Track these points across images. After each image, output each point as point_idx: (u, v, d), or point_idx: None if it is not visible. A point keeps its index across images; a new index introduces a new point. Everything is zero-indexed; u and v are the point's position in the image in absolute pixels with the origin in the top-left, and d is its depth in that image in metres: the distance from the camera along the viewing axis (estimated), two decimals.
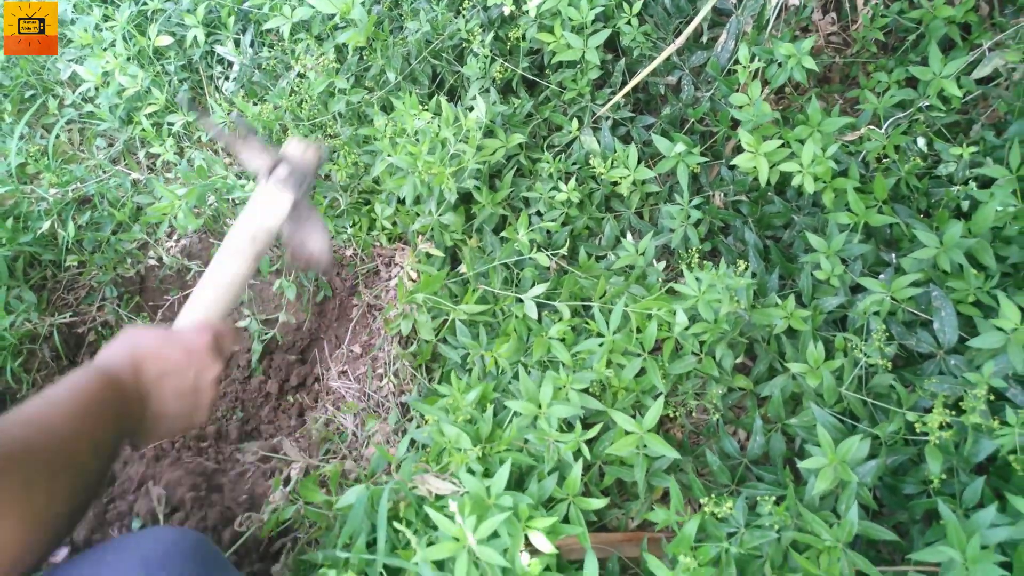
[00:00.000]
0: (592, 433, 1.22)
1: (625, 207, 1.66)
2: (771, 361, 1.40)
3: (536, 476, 1.21)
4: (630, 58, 1.71)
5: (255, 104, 1.73)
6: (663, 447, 1.19)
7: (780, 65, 1.50)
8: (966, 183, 1.38)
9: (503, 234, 1.60)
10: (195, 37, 1.86)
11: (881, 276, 1.35)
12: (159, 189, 1.55)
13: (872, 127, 1.50)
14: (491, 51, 1.64)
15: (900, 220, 1.40)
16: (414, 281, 1.65)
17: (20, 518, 0.61)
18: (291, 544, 1.34)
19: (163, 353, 0.85)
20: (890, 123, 1.50)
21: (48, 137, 1.97)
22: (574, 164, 1.66)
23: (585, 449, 1.21)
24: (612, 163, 1.57)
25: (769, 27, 1.60)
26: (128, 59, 1.87)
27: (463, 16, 1.65)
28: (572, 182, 1.56)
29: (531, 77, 1.72)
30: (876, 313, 1.30)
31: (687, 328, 1.30)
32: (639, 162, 1.56)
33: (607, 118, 1.68)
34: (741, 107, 1.49)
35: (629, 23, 1.61)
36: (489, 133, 1.62)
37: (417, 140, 1.49)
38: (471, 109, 1.55)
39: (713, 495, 1.13)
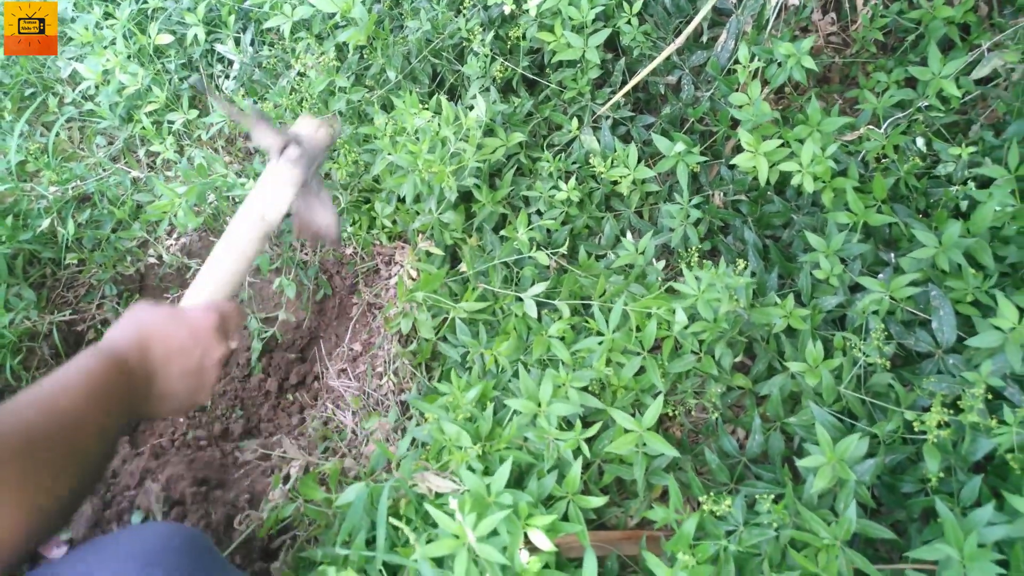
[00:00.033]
0: (592, 431, 1.23)
1: (625, 206, 1.66)
2: (770, 360, 1.40)
3: (536, 474, 1.21)
4: (630, 57, 1.71)
5: (255, 102, 1.73)
6: (662, 445, 1.20)
7: (780, 65, 1.50)
8: (965, 183, 1.39)
9: (503, 233, 1.60)
10: (195, 35, 1.86)
11: (880, 275, 1.36)
12: (159, 187, 1.55)
13: (871, 127, 1.51)
14: (491, 50, 1.64)
15: (899, 220, 1.40)
16: (414, 279, 1.65)
17: (24, 506, 0.61)
18: (290, 542, 1.34)
19: (170, 334, 0.85)
20: (889, 123, 1.51)
21: (48, 135, 1.97)
22: (574, 163, 1.66)
23: (584, 447, 1.21)
24: (612, 162, 1.57)
25: (769, 27, 1.60)
26: (128, 57, 1.88)
27: (463, 15, 1.65)
28: (572, 181, 1.56)
29: (531, 76, 1.72)
30: (875, 312, 1.30)
31: (686, 327, 1.31)
32: (639, 161, 1.56)
33: (607, 117, 1.69)
34: (741, 107, 1.49)
35: (629, 22, 1.61)
36: (489, 132, 1.62)
37: (417, 139, 1.50)
38: (471, 108, 1.55)
39: (712, 493, 1.14)
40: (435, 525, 1.12)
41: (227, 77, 1.97)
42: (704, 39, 1.70)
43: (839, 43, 1.78)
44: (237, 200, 1.75)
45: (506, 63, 1.67)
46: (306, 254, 1.82)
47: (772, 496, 1.13)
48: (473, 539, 0.99)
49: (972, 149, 1.40)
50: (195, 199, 1.57)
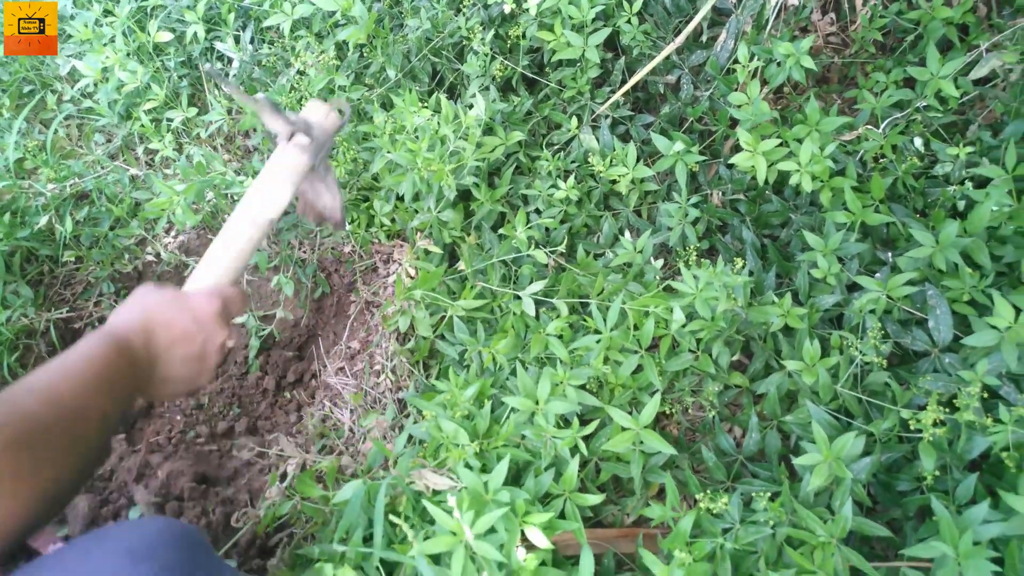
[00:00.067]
0: (589, 429, 1.23)
1: (623, 205, 1.67)
2: (767, 359, 1.41)
3: (533, 472, 1.21)
4: (630, 57, 1.72)
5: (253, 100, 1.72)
6: (659, 443, 1.20)
7: (779, 65, 1.50)
8: (962, 183, 1.39)
9: (501, 231, 1.60)
10: (195, 33, 1.86)
11: (877, 275, 1.36)
12: (158, 185, 1.55)
13: (870, 127, 1.51)
14: (491, 49, 1.65)
15: (897, 219, 1.41)
16: (412, 278, 1.65)
17: (22, 495, 0.62)
18: (287, 539, 1.34)
19: (174, 320, 0.86)
20: (888, 123, 1.51)
21: (46, 132, 1.97)
22: (573, 162, 1.67)
23: (582, 445, 1.21)
24: (611, 161, 1.57)
25: (768, 27, 1.61)
26: (128, 55, 1.87)
27: (463, 14, 1.65)
28: (571, 180, 1.57)
29: (531, 75, 1.72)
30: (872, 311, 1.31)
31: (684, 325, 1.31)
32: (638, 160, 1.57)
33: (606, 116, 1.69)
34: (740, 106, 1.49)
35: (629, 22, 1.61)
36: (488, 131, 1.62)
37: (417, 137, 1.50)
38: (471, 106, 1.55)
39: (709, 491, 1.14)
40: (432, 522, 1.12)
41: (226, 75, 1.97)
42: (704, 39, 1.70)
43: (838, 43, 1.78)
44: (236, 198, 1.75)
45: (506, 62, 1.67)
46: (304, 252, 1.83)
47: (769, 494, 1.13)
48: (471, 536, 0.99)
49: (970, 149, 1.40)
50: (194, 197, 1.57)
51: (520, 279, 1.57)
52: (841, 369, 1.28)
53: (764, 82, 1.56)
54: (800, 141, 1.41)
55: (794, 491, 1.19)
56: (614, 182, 1.58)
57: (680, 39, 1.58)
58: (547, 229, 1.64)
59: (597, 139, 1.66)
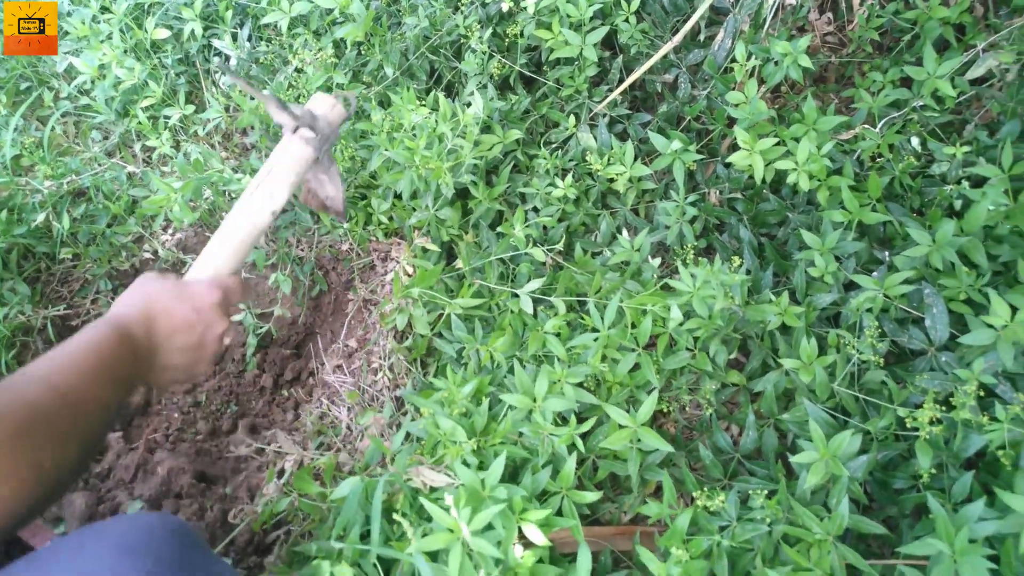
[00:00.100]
0: (586, 427, 1.23)
1: (621, 204, 1.67)
2: (764, 357, 1.41)
3: (530, 469, 1.21)
4: (628, 56, 1.72)
5: (251, 98, 1.72)
6: (656, 441, 1.20)
7: (776, 64, 1.51)
8: (959, 182, 1.40)
9: (499, 229, 1.60)
10: (192, 31, 1.86)
11: (874, 273, 1.37)
12: (155, 182, 1.55)
13: (867, 126, 1.51)
14: (489, 47, 1.65)
15: (893, 218, 1.41)
16: (410, 276, 1.65)
17: (26, 481, 0.63)
18: (284, 536, 1.34)
19: (175, 310, 0.88)
20: (885, 122, 1.51)
21: (43, 129, 1.96)
22: (571, 160, 1.67)
23: (579, 443, 1.22)
24: (609, 160, 1.57)
25: (766, 26, 1.61)
26: (125, 52, 1.87)
27: (461, 12, 1.65)
28: (569, 178, 1.57)
29: (529, 74, 1.72)
30: (869, 310, 1.31)
31: (681, 324, 1.31)
32: (635, 159, 1.57)
33: (604, 115, 1.69)
34: (737, 105, 1.49)
35: (627, 21, 1.61)
36: (486, 129, 1.62)
37: (414, 135, 1.50)
38: (469, 105, 1.55)
39: (706, 489, 1.14)
40: (430, 519, 1.12)
41: (224, 73, 1.97)
42: (701, 38, 1.70)
43: (835, 43, 1.78)
44: (233, 195, 1.75)
45: (504, 60, 1.67)
46: (302, 250, 1.82)
47: (765, 492, 1.13)
48: (468, 533, 1.00)
49: (966, 149, 1.41)
50: (191, 194, 1.57)
51: (518, 277, 1.57)
52: (838, 367, 1.29)
53: (761, 81, 1.56)
54: (797, 140, 1.41)
55: (791, 489, 1.19)
56: (612, 180, 1.59)
57: (678, 38, 1.58)
58: (545, 227, 1.64)
59: (595, 137, 1.66)
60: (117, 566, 0.72)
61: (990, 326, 1.17)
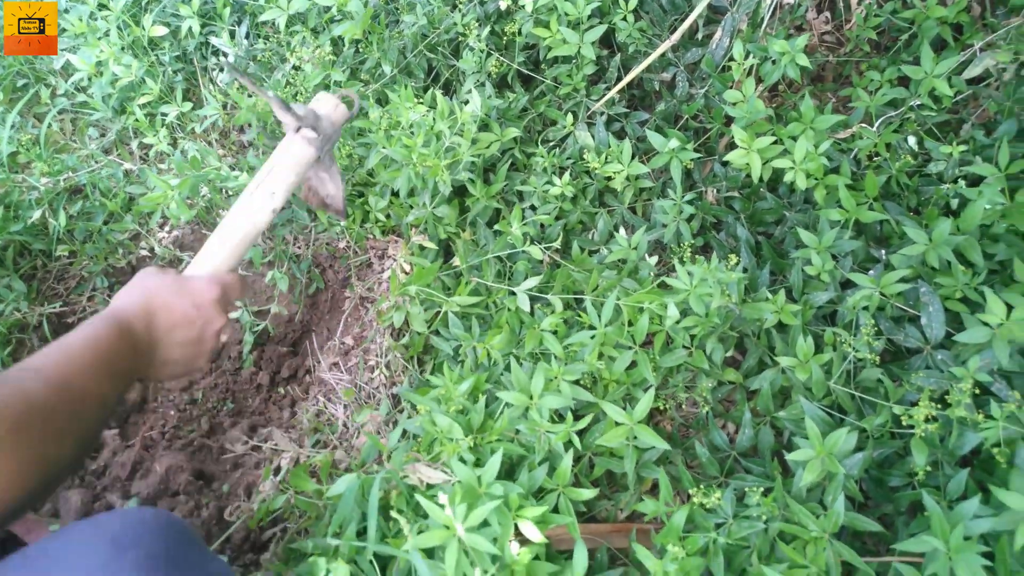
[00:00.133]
0: (583, 424, 1.23)
1: (618, 202, 1.67)
2: (761, 355, 1.41)
3: (527, 466, 1.21)
4: (625, 54, 1.72)
5: (250, 96, 1.72)
6: (653, 439, 1.20)
7: (774, 62, 1.51)
8: (955, 181, 1.40)
9: (497, 227, 1.60)
10: (190, 28, 1.86)
11: (871, 272, 1.37)
12: (152, 179, 1.54)
13: (864, 125, 1.52)
14: (487, 45, 1.65)
15: (890, 217, 1.42)
16: (407, 273, 1.65)
17: (23, 474, 0.64)
18: (281, 534, 1.34)
19: (174, 305, 0.89)
20: (882, 121, 1.52)
21: (40, 126, 1.96)
22: (568, 159, 1.67)
23: (576, 440, 1.22)
24: (606, 158, 1.57)
25: (764, 25, 1.61)
26: (122, 49, 1.87)
27: (459, 10, 1.65)
28: (566, 176, 1.57)
29: (526, 72, 1.72)
30: (865, 308, 1.31)
31: (678, 322, 1.31)
32: (633, 157, 1.57)
33: (602, 113, 1.69)
34: (735, 104, 1.50)
35: (625, 19, 1.61)
36: (484, 127, 1.62)
37: (412, 133, 1.50)
38: (466, 103, 1.55)
39: (702, 486, 1.14)
40: (426, 516, 1.12)
41: (221, 70, 1.97)
42: (699, 36, 1.70)
43: (833, 42, 1.79)
44: (231, 193, 1.75)
45: (501, 58, 1.67)
46: (299, 248, 1.82)
47: (761, 489, 1.14)
48: (462, 530, 0.99)
49: (963, 148, 1.41)
50: (188, 192, 1.56)
51: (515, 275, 1.57)
52: (834, 365, 1.29)
53: (759, 80, 1.56)
54: (795, 139, 1.42)
55: (787, 486, 1.19)
56: (609, 179, 1.59)
57: (676, 36, 1.58)
58: (542, 225, 1.64)
59: (592, 136, 1.67)
60: (110, 560, 0.72)
61: (986, 324, 1.17)
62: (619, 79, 1.68)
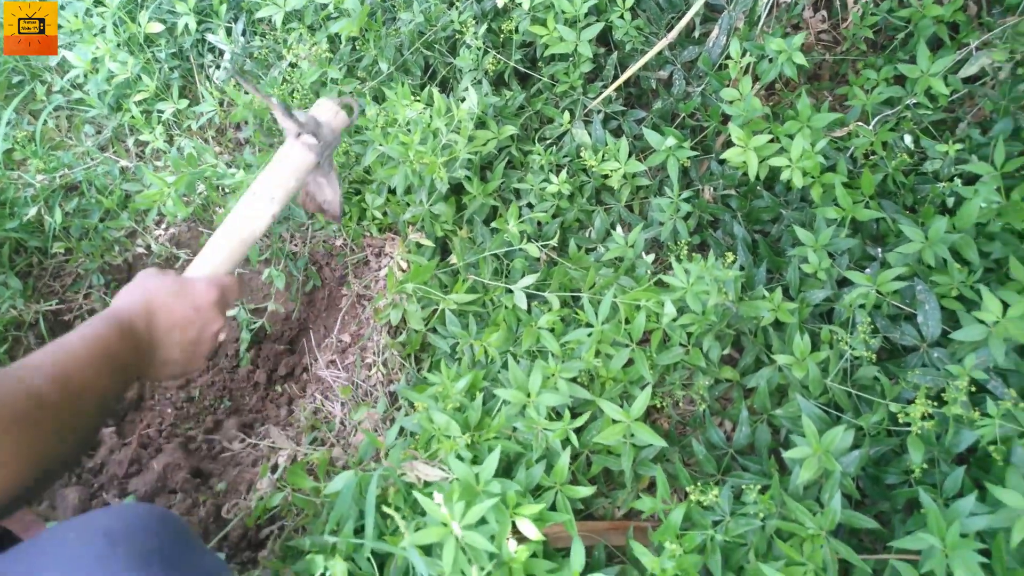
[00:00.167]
0: (580, 422, 1.23)
1: (615, 200, 1.67)
2: (758, 353, 1.41)
3: (524, 464, 1.21)
4: (622, 52, 1.72)
5: (246, 93, 1.72)
6: (650, 436, 1.20)
7: (771, 61, 1.51)
8: (951, 180, 1.40)
9: (494, 225, 1.60)
10: (186, 25, 1.85)
11: (867, 270, 1.37)
12: (148, 176, 1.54)
13: (860, 123, 1.52)
14: (484, 43, 1.64)
15: (886, 215, 1.42)
16: (404, 271, 1.65)
17: (22, 467, 0.65)
18: (278, 531, 1.34)
19: (175, 306, 0.90)
20: (878, 120, 1.52)
21: (36, 123, 1.95)
22: (565, 156, 1.67)
23: (573, 437, 1.22)
24: (603, 156, 1.57)
25: (760, 23, 1.61)
26: (118, 45, 1.86)
27: (456, 8, 1.65)
28: (563, 174, 1.57)
29: (523, 70, 1.72)
30: (862, 306, 1.32)
31: (675, 319, 1.31)
32: (630, 155, 1.57)
33: (599, 111, 1.69)
34: (732, 102, 1.50)
35: (622, 17, 1.61)
36: (481, 124, 1.62)
37: (409, 130, 1.50)
38: (463, 100, 1.55)
39: (699, 484, 1.15)
40: (423, 513, 1.12)
41: (218, 67, 1.96)
42: (696, 34, 1.70)
43: (829, 41, 1.79)
44: (227, 190, 1.75)
45: (498, 56, 1.67)
46: (296, 245, 1.82)
47: (758, 487, 1.14)
48: (458, 529, 0.99)
49: (959, 146, 1.41)
50: (184, 189, 1.56)
51: (512, 273, 1.57)
52: (831, 363, 1.29)
53: (756, 78, 1.57)
54: (791, 137, 1.42)
55: (784, 484, 1.19)
56: (606, 177, 1.59)
57: (672, 35, 1.58)
58: (539, 223, 1.64)
59: (589, 134, 1.67)
60: (104, 556, 0.72)
61: (982, 322, 1.18)
62: (616, 77, 1.68)
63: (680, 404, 1.47)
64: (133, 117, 1.83)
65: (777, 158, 1.41)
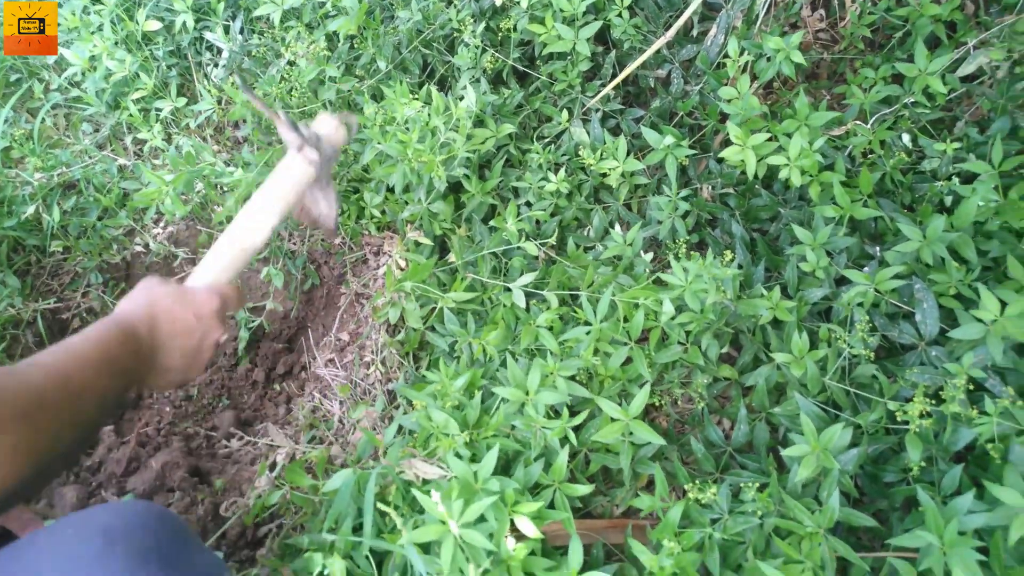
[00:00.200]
0: (578, 420, 1.23)
1: (614, 198, 1.67)
2: (756, 351, 1.41)
3: (523, 462, 1.21)
4: (620, 51, 1.72)
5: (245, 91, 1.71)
6: (648, 435, 1.20)
7: (769, 60, 1.51)
8: (949, 178, 1.40)
9: (492, 223, 1.60)
10: (184, 23, 1.85)
11: (865, 268, 1.37)
12: (146, 175, 1.54)
13: (858, 122, 1.52)
14: (482, 41, 1.64)
15: (884, 214, 1.42)
16: (402, 269, 1.65)
17: (21, 462, 0.65)
18: (276, 529, 1.33)
19: (177, 314, 0.91)
20: (876, 119, 1.52)
21: (33, 121, 1.95)
22: (564, 155, 1.67)
23: (571, 435, 1.22)
24: (601, 154, 1.57)
25: (759, 22, 1.61)
26: (116, 43, 1.86)
27: (454, 6, 1.65)
28: (561, 173, 1.57)
29: (522, 68, 1.72)
30: (860, 305, 1.32)
31: (673, 318, 1.31)
32: (628, 154, 1.57)
33: (597, 110, 1.69)
34: (730, 101, 1.50)
35: (620, 15, 1.61)
36: (479, 123, 1.62)
37: (407, 128, 1.49)
38: (461, 99, 1.55)
39: (697, 482, 1.15)
40: (422, 511, 1.12)
41: (216, 65, 1.96)
42: (694, 33, 1.70)
43: (827, 40, 1.79)
44: (225, 188, 1.75)
45: (497, 55, 1.67)
46: (294, 244, 1.82)
47: (757, 485, 1.14)
48: (455, 527, 1.00)
49: (957, 145, 1.41)
50: (183, 187, 1.56)
51: (510, 271, 1.57)
52: (829, 362, 1.29)
53: (754, 77, 1.57)
54: (789, 136, 1.42)
55: (782, 482, 1.19)
56: (604, 175, 1.59)
57: (670, 33, 1.58)
58: (537, 222, 1.64)
59: (588, 132, 1.67)
60: (101, 553, 0.72)
61: (980, 321, 1.18)
62: (614, 75, 1.68)
63: (678, 402, 1.47)
64: (131, 115, 1.82)
65: (775, 157, 1.41)
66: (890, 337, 1.33)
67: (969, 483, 1.13)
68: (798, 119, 1.44)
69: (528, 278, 1.45)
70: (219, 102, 1.84)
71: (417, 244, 1.66)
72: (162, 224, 1.86)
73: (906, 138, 1.50)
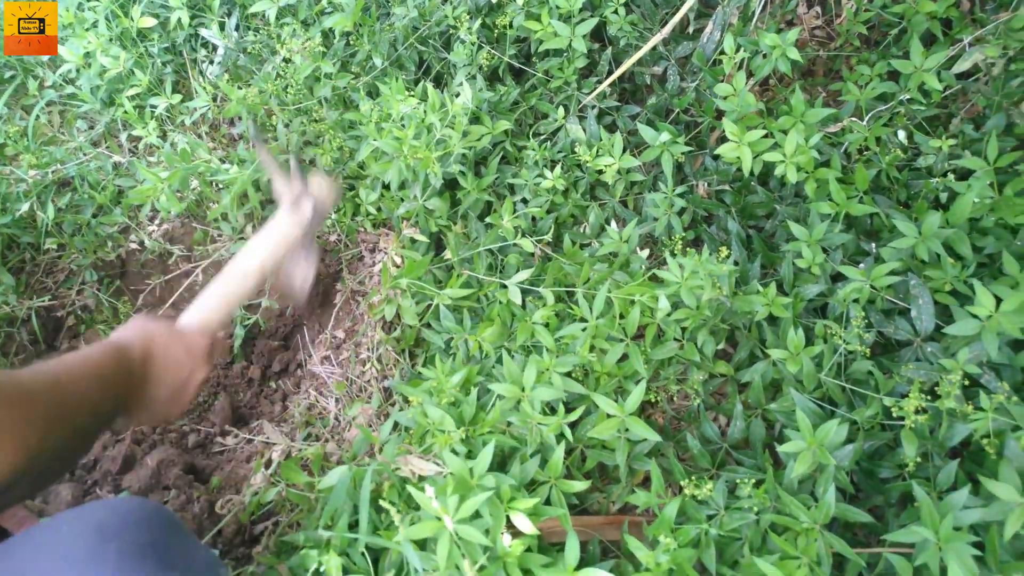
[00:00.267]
0: (574, 416, 1.23)
1: (610, 195, 1.67)
2: (752, 348, 1.42)
3: (519, 458, 1.21)
4: (616, 47, 1.72)
5: (240, 88, 1.71)
6: (645, 431, 1.20)
7: (765, 56, 1.51)
8: (945, 175, 1.40)
9: (488, 220, 1.60)
10: (179, 19, 1.84)
11: (861, 265, 1.37)
12: (142, 172, 1.53)
13: (854, 119, 1.52)
14: (478, 38, 1.64)
15: (880, 210, 1.42)
16: (398, 266, 1.65)
17: (15, 447, 0.67)
18: (272, 527, 1.33)
19: (170, 348, 0.95)
20: (872, 115, 1.52)
21: (28, 118, 1.94)
22: (560, 152, 1.67)
23: (568, 432, 1.22)
24: (597, 151, 1.57)
25: (755, 19, 1.61)
26: (111, 40, 1.86)
27: (450, 3, 1.65)
28: (557, 169, 1.57)
29: (518, 65, 1.72)
30: (856, 301, 1.32)
31: (669, 314, 1.31)
32: (624, 151, 1.57)
33: (593, 107, 1.69)
34: (726, 97, 1.50)
35: (616, 12, 1.61)
36: (475, 120, 1.62)
37: (403, 125, 1.49)
38: (457, 95, 1.55)
39: (693, 478, 1.15)
40: (418, 508, 1.12)
41: (211, 62, 1.95)
42: (690, 30, 1.70)
43: (823, 36, 1.79)
44: (221, 186, 1.74)
45: (493, 51, 1.66)
46: None
47: (753, 481, 1.14)
48: (451, 524, 0.99)
49: (952, 142, 1.42)
50: (178, 184, 1.56)
51: (506, 268, 1.57)
52: (825, 358, 1.29)
53: (750, 74, 1.57)
54: (785, 132, 1.42)
55: (778, 478, 1.20)
56: (600, 172, 1.59)
57: (666, 30, 1.58)
58: (533, 218, 1.64)
59: (584, 129, 1.66)
60: (95, 550, 0.72)
61: (975, 317, 1.18)
62: (610, 72, 1.68)
63: (674, 399, 1.47)
64: (126, 112, 1.82)
65: (771, 153, 1.41)
66: (886, 333, 1.33)
67: (964, 479, 1.13)
68: (794, 116, 1.44)
69: (524, 275, 1.45)
70: (214, 99, 1.83)
71: (413, 241, 1.66)
72: (157, 221, 1.85)
73: (902, 135, 1.51)
